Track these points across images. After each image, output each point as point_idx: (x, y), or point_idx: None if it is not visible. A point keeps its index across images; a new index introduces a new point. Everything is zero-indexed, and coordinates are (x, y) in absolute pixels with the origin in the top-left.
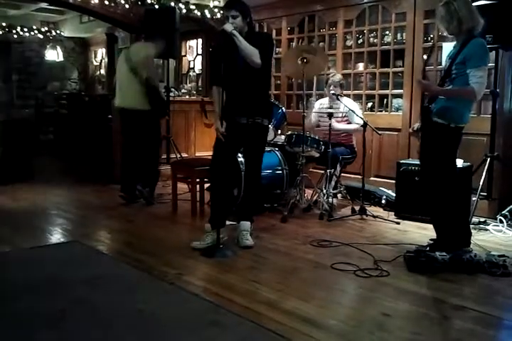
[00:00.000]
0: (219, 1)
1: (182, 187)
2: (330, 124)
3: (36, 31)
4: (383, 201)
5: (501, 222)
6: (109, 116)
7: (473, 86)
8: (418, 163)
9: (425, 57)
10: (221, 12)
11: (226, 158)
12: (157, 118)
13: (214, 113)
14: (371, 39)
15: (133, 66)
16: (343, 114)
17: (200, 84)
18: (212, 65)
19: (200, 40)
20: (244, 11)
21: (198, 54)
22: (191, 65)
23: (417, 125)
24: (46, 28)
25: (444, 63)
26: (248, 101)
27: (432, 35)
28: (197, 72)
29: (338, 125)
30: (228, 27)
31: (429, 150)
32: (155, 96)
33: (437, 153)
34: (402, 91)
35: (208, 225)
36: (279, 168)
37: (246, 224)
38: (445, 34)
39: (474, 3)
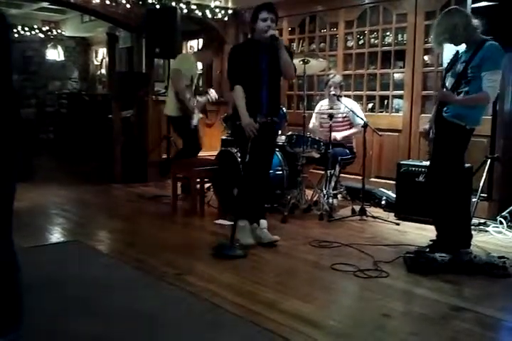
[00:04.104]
0: (220, 1)
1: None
2: (330, 125)
3: (37, 30)
4: (383, 202)
5: (501, 223)
6: (109, 116)
7: (487, 90)
8: (418, 163)
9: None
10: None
11: (261, 156)
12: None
13: (240, 110)
14: (372, 40)
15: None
16: (344, 115)
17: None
18: (233, 66)
19: (201, 40)
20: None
21: None
22: None
23: (427, 126)
24: (47, 28)
25: (444, 64)
26: (268, 102)
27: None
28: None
29: (339, 135)
30: (278, 36)
31: (441, 150)
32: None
33: (449, 153)
34: (402, 92)
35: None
36: (280, 168)
37: (265, 222)
38: (451, 45)
39: (475, 5)
